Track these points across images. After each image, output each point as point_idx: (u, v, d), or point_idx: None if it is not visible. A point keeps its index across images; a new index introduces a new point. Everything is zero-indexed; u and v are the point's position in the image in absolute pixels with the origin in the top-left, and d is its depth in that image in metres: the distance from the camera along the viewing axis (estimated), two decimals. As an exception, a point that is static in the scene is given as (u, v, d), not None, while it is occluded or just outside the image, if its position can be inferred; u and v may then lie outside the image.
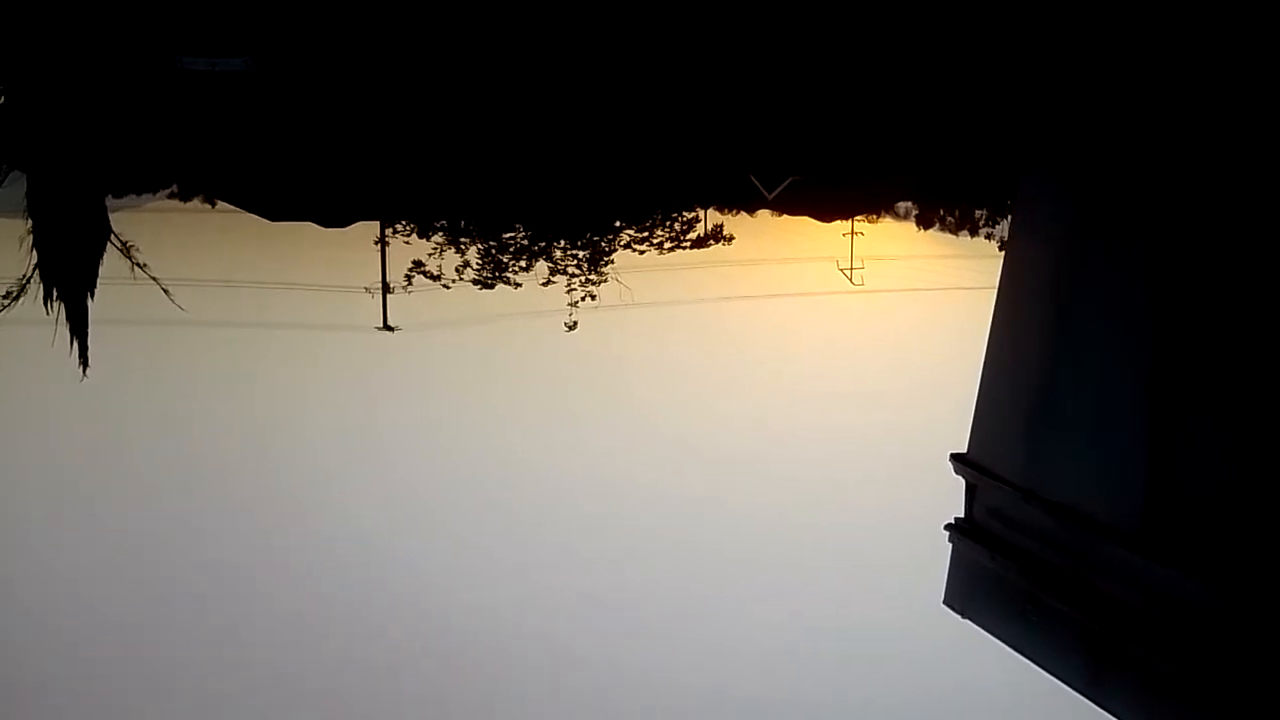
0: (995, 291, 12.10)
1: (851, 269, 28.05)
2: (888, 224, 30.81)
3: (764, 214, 29.67)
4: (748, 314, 25.70)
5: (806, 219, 30.27)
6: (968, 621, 8.97)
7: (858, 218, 29.36)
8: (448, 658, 13.30)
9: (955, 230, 30.51)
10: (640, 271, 25.10)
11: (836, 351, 24.72)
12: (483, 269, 23.99)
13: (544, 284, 23.63)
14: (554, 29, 26.77)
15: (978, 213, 29.38)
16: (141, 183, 26.29)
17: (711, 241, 26.88)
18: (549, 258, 24.56)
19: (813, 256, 28.76)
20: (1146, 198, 11.52)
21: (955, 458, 9.43)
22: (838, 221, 29.46)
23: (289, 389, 21.11)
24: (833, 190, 29.64)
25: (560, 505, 17.58)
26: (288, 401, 20.78)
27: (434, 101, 26.62)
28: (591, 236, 25.46)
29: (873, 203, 30.17)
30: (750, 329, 25.58)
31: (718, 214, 28.73)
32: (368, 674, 12.84)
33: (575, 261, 24.43)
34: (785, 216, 30.11)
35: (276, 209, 25.94)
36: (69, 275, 20.57)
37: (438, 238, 24.92)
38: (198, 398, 20.36)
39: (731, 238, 27.22)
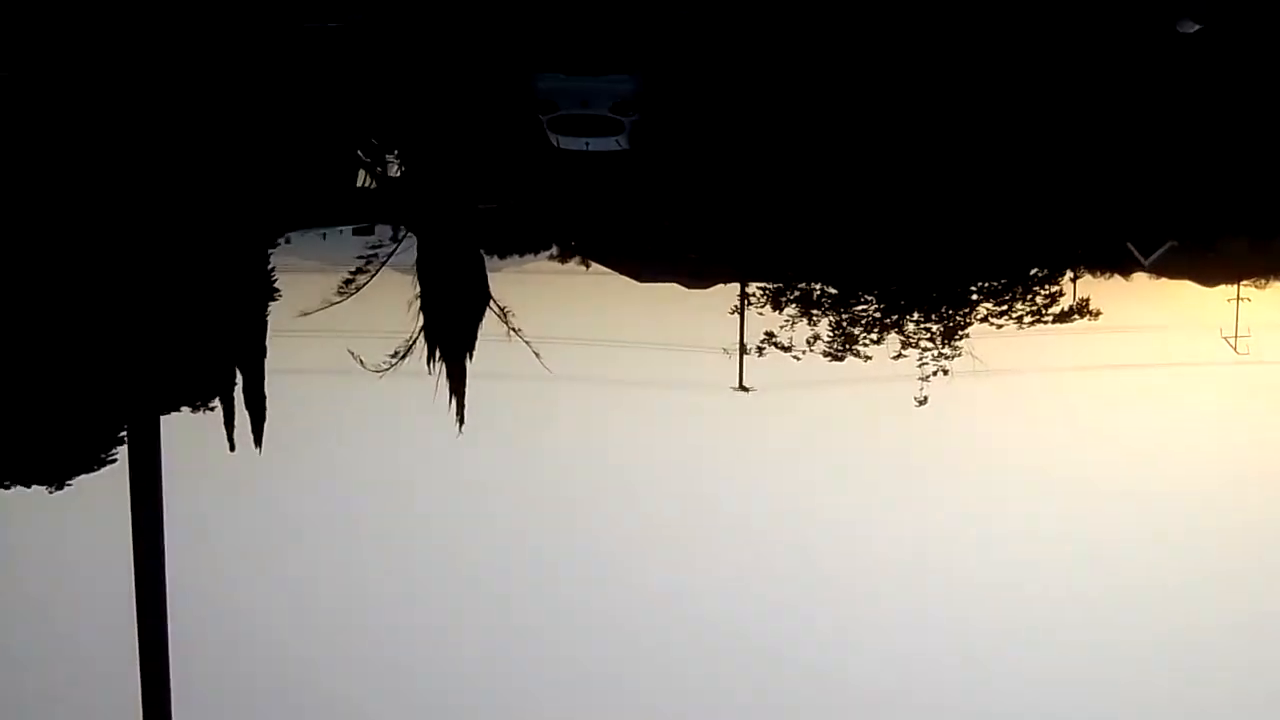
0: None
1: (1236, 337, 26.33)
2: (1277, 288, 28.65)
3: (1140, 279, 28.30)
4: (1117, 384, 24.54)
5: (1187, 283, 28.63)
6: None
7: (1244, 282, 27.49)
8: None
9: (1359, 295, 28.04)
10: (997, 336, 24.48)
11: (1218, 427, 23.20)
12: (833, 341, 24.09)
13: (895, 357, 23.48)
14: (911, 94, 26.69)
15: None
16: (524, 246, 28.08)
17: (1077, 316, 25.70)
18: (901, 330, 24.37)
19: (1192, 324, 27.19)
20: None
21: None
22: (1221, 286, 27.68)
23: (648, 442, 22.01)
24: (1215, 254, 27.89)
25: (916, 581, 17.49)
26: (645, 454, 21.67)
27: (796, 168, 27.08)
28: (946, 310, 25.04)
29: (1261, 267, 28.15)
30: (1119, 401, 24.41)
31: (1089, 275, 27.56)
32: None
33: (928, 335, 24.14)
34: (1164, 280, 28.61)
35: (644, 271, 27.06)
36: (450, 338, 22.28)
37: (790, 310, 25.22)
38: (559, 451, 21.58)
39: (1099, 313, 25.96)
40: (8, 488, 16.03)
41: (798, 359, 23.76)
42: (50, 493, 16.20)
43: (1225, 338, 26.49)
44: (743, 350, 24.73)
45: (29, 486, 16.14)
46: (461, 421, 21.10)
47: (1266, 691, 14.17)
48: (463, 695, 14.31)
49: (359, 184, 27.00)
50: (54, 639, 13.95)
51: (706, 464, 21.17)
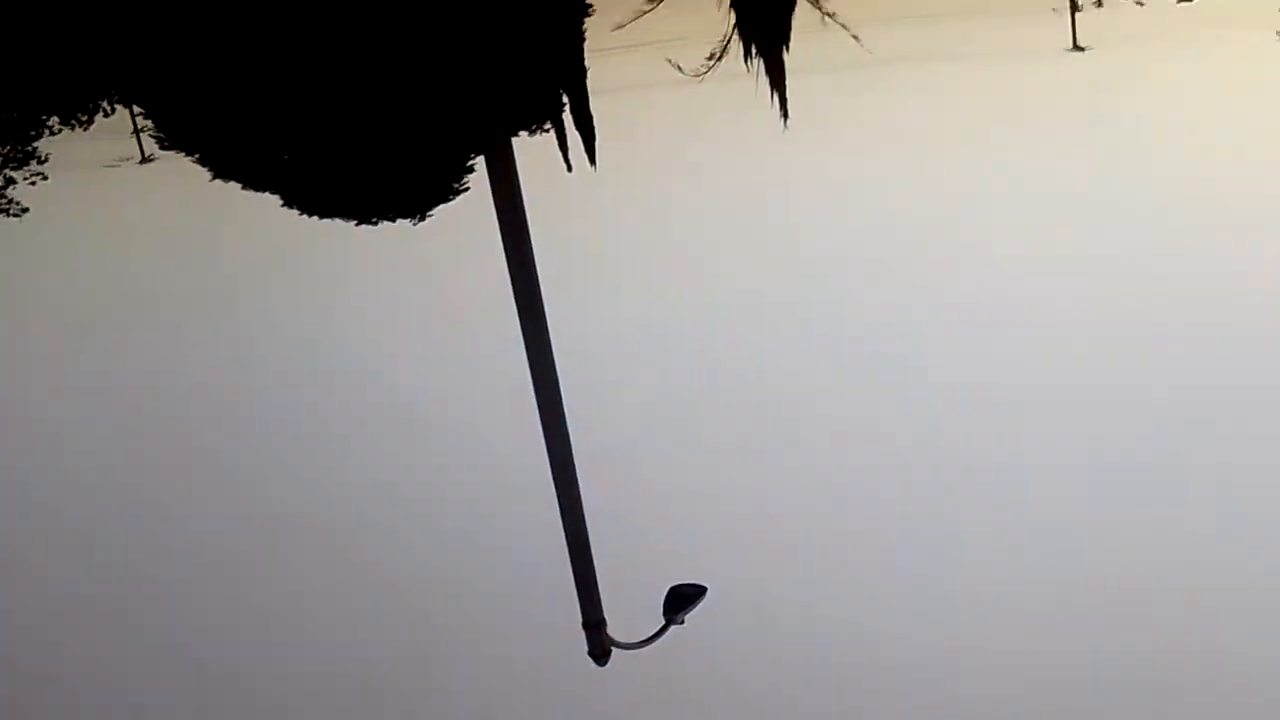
0: None
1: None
2: None
3: None
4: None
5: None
6: None
7: None
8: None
9: None
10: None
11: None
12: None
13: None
14: None
15: None
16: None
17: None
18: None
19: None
20: None
21: None
22: None
23: (985, 115, 21.05)
24: None
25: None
26: (986, 126, 20.71)
27: None
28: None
29: None
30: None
31: None
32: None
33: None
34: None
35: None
36: (764, 31, 21.66)
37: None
38: (876, 138, 20.92)
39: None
40: (375, 223, 16.90)
41: (1140, 3, 22.00)
42: (414, 224, 16.99)
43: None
44: (1074, 6, 23.13)
45: (394, 220, 16.97)
46: (785, 115, 20.74)
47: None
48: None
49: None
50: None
51: (1039, 136, 20.19)
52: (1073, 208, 17.39)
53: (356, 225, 17.06)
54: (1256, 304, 14.66)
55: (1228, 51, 21.26)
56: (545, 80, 19.18)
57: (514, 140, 16.47)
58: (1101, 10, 22.53)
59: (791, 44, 22.10)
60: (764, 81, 21.17)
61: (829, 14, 22.43)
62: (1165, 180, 17.61)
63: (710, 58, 21.68)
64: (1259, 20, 20.86)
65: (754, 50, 21.88)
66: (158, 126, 19.15)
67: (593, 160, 19.47)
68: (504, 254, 13.31)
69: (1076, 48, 22.51)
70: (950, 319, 15.10)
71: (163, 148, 19.01)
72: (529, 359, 12.42)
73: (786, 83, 21.30)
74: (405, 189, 17.21)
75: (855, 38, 21.63)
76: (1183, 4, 21.85)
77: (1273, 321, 14.29)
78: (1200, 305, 14.77)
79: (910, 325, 15.13)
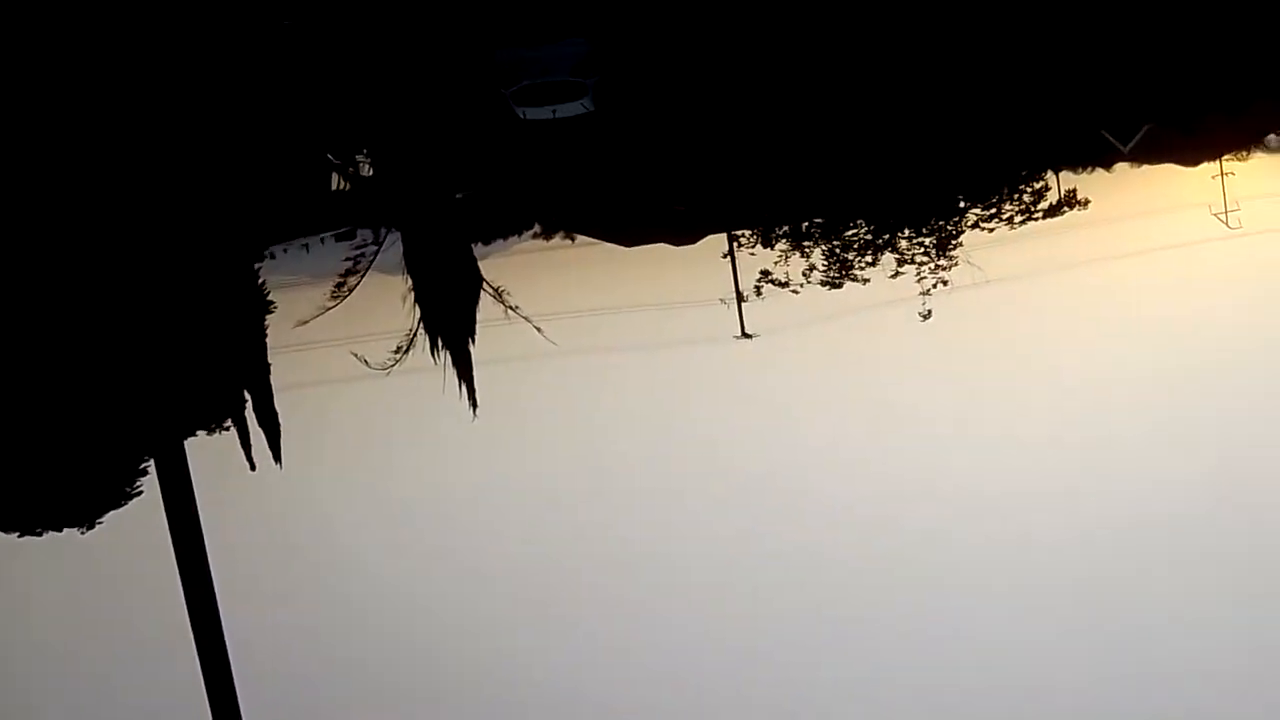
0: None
1: (1226, 212, 26.30)
2: (1260, 159, 28.64)
3: (1122, 167, 28.24)
4: (1116, 275, 24.48)
5: (1170, 166, 28.57)
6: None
7: (1225, 157, 27.45)
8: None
9: (1339, 155, 28.06)
10: (993, 246, 24.39)
11: (1222, 305, 23.13)
12: (829, 269, 24.04)
13: (892, 276, 23.46)
14: (867, 19, 26.45)
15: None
16: (507, 227, 27.83)
17: (1066, 208, 25.70)
18: (895, 249, 24.31)
19: (1181, 205, 27.13)
20: None
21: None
22: (1204, 164, 27.64)
23: (660, 404, 21.90)
24: (1193, 132, 27.83)
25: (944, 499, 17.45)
26: (659, 416, 21.57)
27: (763, 106, 26.88)
28: (936, 221, 24.96)
29: (1239, 139, 28.10)
30: (1120, 291, 24.35)
31: (1070, 172, 27.50)
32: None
33: (922, 249, 24.08)
34: (1146, 167, 28.55)
35: (631, 235, 26.89)
36: (450, 325, 22.13)
37: (781, 245, 25.12)
38: (575, 424, 21.45)
39: (1087, 201, 25.97)
40: (40, 534, 15.90)
41: (796, 292, 23.72)
42: (82, 533, 16.07)
43: (1216, 214, 26.50)
44: (740, 298, 24.63)
45: (60, 530, 16.01)
46: (475, 405, 21.00)
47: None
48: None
49: (334, 188, 26.77)
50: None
51: (717, 415, 21.11)
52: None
53: (19, 538, 16.02)
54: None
55: (869, 333, 23.04)
56: (224, 379, 18.89)
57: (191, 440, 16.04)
58: (763, 300, 24.07)
59: (477, 336, 22.69)
60: (452, 373, 21.50)
61: (512, 307, 23.15)
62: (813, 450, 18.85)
63: (396, 351, 21.91)
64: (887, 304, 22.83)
65: (440, 343, 22.27)
66: None
67: (278, 458, 19.11)
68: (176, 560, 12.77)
69: (744, 335, 23.83)
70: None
71: None
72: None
73: (474, 374, 21.67)
74: (72, 496, 16.36)
75: (539, 330, 22.28)
76: (833, 290, 23.70)
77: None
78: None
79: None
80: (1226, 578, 14.43)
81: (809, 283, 23.85)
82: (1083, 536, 15.73)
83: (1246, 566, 14.52)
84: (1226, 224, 25.87)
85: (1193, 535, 15.60)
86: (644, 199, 26.54)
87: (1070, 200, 25.83)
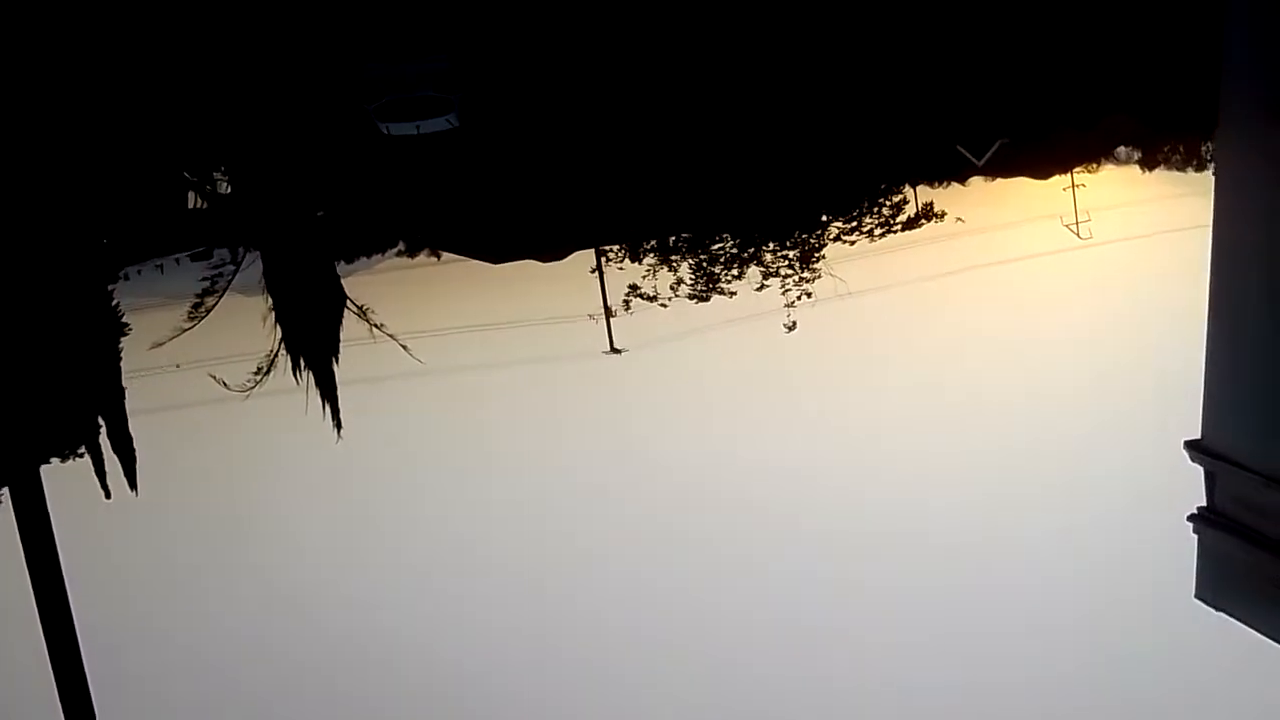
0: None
1: (1077, 223, 27.09)
2: (1110, 171, 29.59)
3: (976, 181, 28.92)
4: (974, 286, 25.08)
5: (1023, 179, 29.35)
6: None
7: (1076, 169, 28.29)
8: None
9: (1182, 167, 29.05)
10: (855, 259, 24.80)
11: (1071, 315, 23.84)
12: (696, 283, 24.20)
13: (758, 289, 23.75)
14: (726, 33, 26.69)
15: (1204, 146, 27.90)
16: (371, 245, 27.41)
17: (924, 221, 26.27)
18: (760, 262, 24.58)
19: (1034, 216, 27.88)
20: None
21: (1190, 445, 8.53)
22: (1056, 177, 28.46)
23: (528, 421, 21.82)
24: (1045, 146, 28.61)
25: (818, 508, 17.71)
26: (533, 433, 21.48)
27: (628, 122, 26.95)
28: (800, 235, 25.31)
29: (1089, 152, 28.98)
30: (978, 302, 24.95)
31: (927, 189, 28.09)
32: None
33: (787, 262, 24.40)
34: (1000, 180, 29.27)
35: (498, 252, 26.69)
36: (313, 345, 21.70)
37: (649, 259, 25.22)
38: (442, 442, 21.27)
39: (944, 214, 26.58)
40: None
41: (664, 306, 23.85)
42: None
43: (1067, 225, 27.29)
44: (609, 314, 24.64)
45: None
46: (339, 427, 20.66)
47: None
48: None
49: (190, 206, 26.06)
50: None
51: (586, 431, 21.13)
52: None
53: None
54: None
55: (737, 345, 23.28)
56: (77, 404, 18.26)
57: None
58: (632, 315, 24.13)
59: (341, 356, 22.30)
60: (315, 394, 21.11)
61: (378, 325, 22.81)
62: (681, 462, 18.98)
63: (256, 373, 21.41)
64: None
65: (302, 363, 21.83)
66: None
67: (133, 485, 18.56)
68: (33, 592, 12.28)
69: (613, 350, 23.85)
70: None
71: None
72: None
73: (338, 394, 21.30)
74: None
75: (405, 348, 22.01)
76: (700, 304, 23.89)
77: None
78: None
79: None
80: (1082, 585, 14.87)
81: (677, 296, 23.96)
82: (945, 547, 16.09)
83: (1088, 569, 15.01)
84: (1078, 234, 26.67)
85: (1042, 544, 16.07)
86: (510, 215, 26.39)
87: (928, 213, 26.40)
